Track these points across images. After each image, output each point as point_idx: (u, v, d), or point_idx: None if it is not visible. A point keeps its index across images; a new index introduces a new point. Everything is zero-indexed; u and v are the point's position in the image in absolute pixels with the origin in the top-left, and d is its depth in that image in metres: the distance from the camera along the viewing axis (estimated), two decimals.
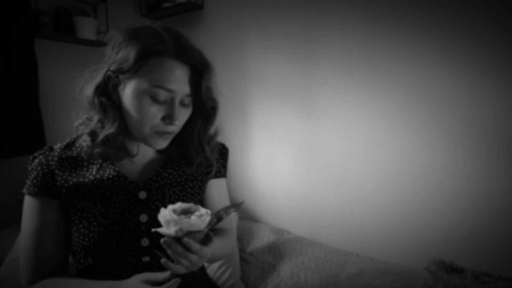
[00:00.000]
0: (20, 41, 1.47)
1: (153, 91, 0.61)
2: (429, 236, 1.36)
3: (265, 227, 1.74)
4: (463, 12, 1.20)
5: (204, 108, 0.70)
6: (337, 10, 1.47)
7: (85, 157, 0.70)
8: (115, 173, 0.69)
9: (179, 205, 0.55)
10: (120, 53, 0.62)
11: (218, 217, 0.56)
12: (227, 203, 0.85)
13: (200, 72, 0.65)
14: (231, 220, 0.86)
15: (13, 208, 1.47)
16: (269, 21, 1.69)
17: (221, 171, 0.83)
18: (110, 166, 0.70)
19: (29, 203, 0.67)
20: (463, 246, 1.28)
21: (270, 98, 1.75)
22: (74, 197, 0.67)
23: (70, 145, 0.72)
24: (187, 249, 0.52)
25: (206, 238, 0.56)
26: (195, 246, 0.52)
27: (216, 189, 0.82)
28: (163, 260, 0.54)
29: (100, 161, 0.70)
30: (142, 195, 0.69)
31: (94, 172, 0.69)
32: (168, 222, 0.51)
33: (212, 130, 0.77)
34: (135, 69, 0.61)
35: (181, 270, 0.55)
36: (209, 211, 0.56)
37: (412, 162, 1.37)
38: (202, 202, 0.80)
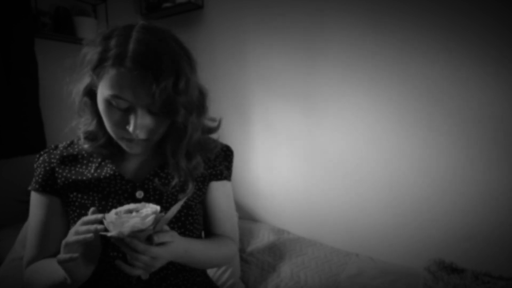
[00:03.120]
0: (20, 41, 1.47)
1: (113, 99, 0.57)
2: (429, 236, 1.36)
3: (265, 227, 1.74)
4: (463, 12, 1.20)
5: (174, 122, 0.63)
6: (337, 10, 1.47)
7: (85, 155, 0.72)
8: (112, 172, 0.69)
9: (126, 206, 0.54)
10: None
11: (166, 216, 0.55)
12: (230, 206, 0.82)
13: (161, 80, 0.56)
14: (234, 230, 0.83)
15: (13, 208, 1.47)
16: (269, 21, 1.69)
17: (224, 174, 0.80)
18: (108, 165, 0.70)
19: (33, 198, 0.71)
20: (463, 246, 1.28)
21: (271, 98, 1.75)
22: (73, 194, 0.69)
23: (73, 143, 0.75)
24: (134, 249, 0.52)
25: (152, 237, 0.54)
26: (140, 246, 0.51)
27: (217, 192, 0.79)
28: (116, 261, 0.53)
29: (99, 159, 0.71)
30: (139, 194, 0.69)
31: (92, 171, 0.70)
32: (108, 225, 0.51)
33: (209, 143, 0.74)
34: (97, 73, 0.58)
35: (135, 271, 0.54)
36: (158, 209, 0.54)
37: (413, 162, 1.37)
38: (204, 204, 0.79)
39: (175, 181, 0.69)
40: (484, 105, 1.20)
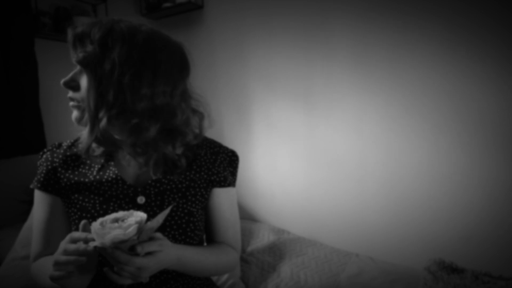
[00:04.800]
0: (20, 41, 1.47)
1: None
2: (429, 236, 1.36)
3: (265, 227, 1.74)
4: (464, 14, 1.20)
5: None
6: (337, 10, 1.47)
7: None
8: (114, 176, 0.68)
9: (114, 215, 0.53)
10: None
11: (150, 225, 0.53)
12: (234, 213, 0.80)
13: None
14: (236, 238, 0.80)
15: (13, 208, 1.47)
16: (269, 21, 1.69)
17: (228, 180, 0.78)
18: (111, 168, 0.69)
19: (36, 196, 0.72)
20: (463, 246, 1.28)
21: (271, 98, 1.75)
22: (74, 195, 0.68)
23: (77, 142, 0.73)
24: (116, 260, 0.51)
25: (136, 247, 0.52)
26: (122, 257, 0.50)
27: (220, 199, 0.77)
28: (105, 269, 0.53)
29: (102, 160, 0.70)
30: (141, 200, 0.68)
31: (94, 173, 0.69)
32: (93, 234, 0.50)
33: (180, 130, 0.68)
34: None
35: (122, 281, 0.53)
36: (144, 218, 0.52)
37: (413, 161, 1.37)
38: (206, 210, 0.77)
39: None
40: (485, 106, 1.20)
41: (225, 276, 1.23)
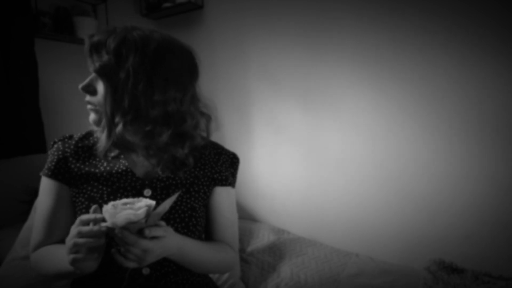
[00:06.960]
0: (20, 41, 1.47)
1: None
2: (429, 236, 1.36)
3: (265, 227, 1.73)
4: (463, 13, 1.20)
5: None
6: (337, 11, 1.47)
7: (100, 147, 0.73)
8: (124, 168, 0.71)
9: (124, 200, 0.56)
10: None
11: (158, 210, 0.56)
12: (233, 213, 0.83)
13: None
14: (235, 238, 0.83)
15: (13, 208, 1.47)
16: (269, 21, 1.69)
17: (229, 180, 0.82)
18: (121, 161, 0.72)
19: (44, 184, 0.73)
20: (463, 246, 1.28)
21: (272, 98, 1.75)
22: (83, 185, 0.70)
23: (89, 134, 0.76)
24: (124, 241, 0.53)
25: (143, 231, 0.55)
26: (130, 237, 0.53)
27: (220, 197, 0.80)
28: (112, 250, 0.55)
29: (112, 154, 0.73)
30: (147, 192, 0.71)
31: (105, 164, 0.72)
32: (105, 215, 0.53)
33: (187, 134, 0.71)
34: None
35: (127, 263, 0.55)
36: (153, 203, 0.55)
37: (412, 161, 1.37)
38: (206, 208, 0.80)
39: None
40: (484, 105, 1.20)
41: (225, 276, 1.23)
